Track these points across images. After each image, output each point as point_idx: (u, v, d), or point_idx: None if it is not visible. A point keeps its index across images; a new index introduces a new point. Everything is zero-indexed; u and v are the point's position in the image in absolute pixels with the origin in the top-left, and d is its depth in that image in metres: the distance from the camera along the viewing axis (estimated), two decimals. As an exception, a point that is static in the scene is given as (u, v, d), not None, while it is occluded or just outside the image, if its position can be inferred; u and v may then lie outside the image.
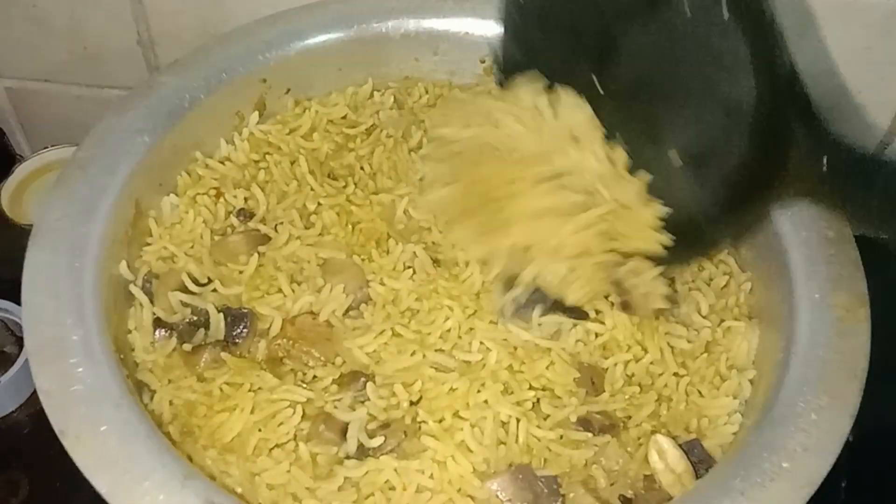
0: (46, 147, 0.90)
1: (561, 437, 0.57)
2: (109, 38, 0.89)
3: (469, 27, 0.75)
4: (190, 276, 0.63)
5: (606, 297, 0.61)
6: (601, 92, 0.57)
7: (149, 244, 0.66)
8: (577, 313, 0.62)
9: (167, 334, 0.62)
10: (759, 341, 0.62)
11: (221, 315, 0.62)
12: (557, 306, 0.61)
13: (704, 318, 0.64)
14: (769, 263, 0.63)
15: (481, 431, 0.56)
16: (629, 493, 0.56)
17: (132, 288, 0.63)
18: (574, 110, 0.58)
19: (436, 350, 0.60)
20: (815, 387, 0.54)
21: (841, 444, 0.51)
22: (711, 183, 0.54)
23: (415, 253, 0.65)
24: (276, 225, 0.67)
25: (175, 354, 0.61)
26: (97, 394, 0.52)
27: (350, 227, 0.67)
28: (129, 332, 0.62)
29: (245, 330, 0.61)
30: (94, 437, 0.50)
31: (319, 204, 0.68)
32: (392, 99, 0.77)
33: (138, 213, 0.65)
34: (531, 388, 0.59)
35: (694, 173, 0.54)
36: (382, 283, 0.64)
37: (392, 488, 0.55)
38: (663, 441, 0.56)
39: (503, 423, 0.57)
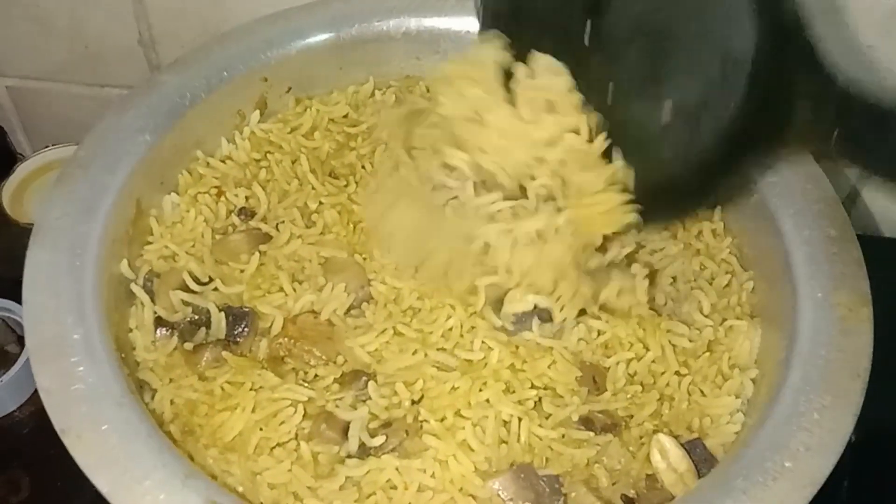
0: (47, 146, 0.90)
1: (563, 436, 0.57)
2: (110, 38, 0.89)
3: (470, 26, 0.74)
4: (191, 274, 0.63)
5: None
6: (592, 41, 0.54)
7: (150, 243, 0.66)
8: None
9: (168, 333, 0.62)
10: (762, 340, 0.62)
11: (223, 314, 0.62)
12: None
13: (706, 316, 0.64)
14: (771, 262, 0.63)
15: (483, 430, 0.56)
16: (631, 493, 0.56)
17: (133, 287, 0.63)
18: (550, 76, 0.57)
19: (437, 349, 0.60)
20: (818, 386, 0.54)
21: (844, 443, 0.51)
22: (705, 136, 0.52)
23: (416, 252, 0.65)
24: (277, 224, 0.67)
25: (176, 353, 0.61)
26: (98, 393, 0.52)
27: (351, 226, 0.67)
28: (130, 330, 0.62)
29: (246, 329, 0.61)
30: (95, 436, 0.50)
31: (321, 203, 0.68)
32: (393, 98, 0.76)
33: (139, 212, 0.65)
34: (533, 386, 0.59)
35: (687, 125, 0.53)
36: (384, 282, 0.63)
37: (393, 487, 0.55)
38: (665, 440, 0.56)
39: (505, 422, 0.57)
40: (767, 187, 0.64)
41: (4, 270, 0.66)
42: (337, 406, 0.58)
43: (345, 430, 0.57)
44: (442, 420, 0.57)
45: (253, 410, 0.57)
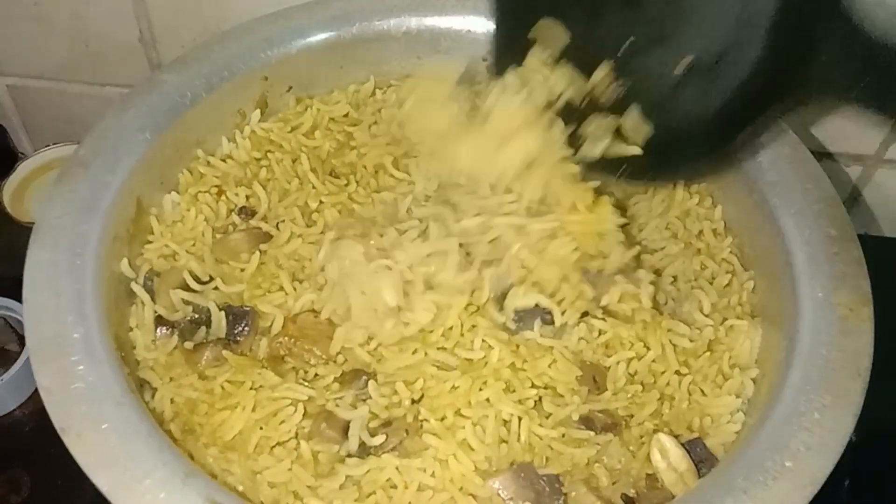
0: (48, 145, 0.90)
1: (563, 435, 0.57)
2: (111, 36, 0.89)
3: (471, 25, 0.75)
4: (191, 273, 0.63)
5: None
6: None
7: (150, 242, 0.66)
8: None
9: (168, 332, 0.62)
10: (762, 340, 0.62)
11: (223, 313, 0.62)
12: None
13: (707, 316, 0.64)
14: (772, 262, 0.62)
15: (483, 430, 0.56)
16: (631, 492, 0.56)
17: (133, 286, 0.63)
18: (520, 97, 0.58)
19: (437, 348, 0.60)
20: (818, 386, 0.53)
21: (844, 443, 0.51)
22: (726, 87, 0.52)
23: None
24: (277, 223, 0.67)
25: (176, 352, 0.61)
26: (98, 392, 0.52)
27: (352, 225, 0.67)
28: (131, 329, 0.62)
29: (246, 328, 0.61)
30: (96, 434, 0.50)
31: (321, 202, 0.68)
32: (394, 97, 0.76)
33: (140, 211, 0.65)
34: (533, 386, 0.59)
35: (707, 77, 0.52)
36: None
37: (394, 486, 0.55)
38: (665, 440, 0.56)
39: (505, 422, 0.57)
40: (768, 187, 0.64)
41: (5, 269, 0.66)
42: (337, 405, 0.58)
43: (345, 429, 0.57)
44: (442, 419, 0.57)
45: (253, 409, 0.57)
